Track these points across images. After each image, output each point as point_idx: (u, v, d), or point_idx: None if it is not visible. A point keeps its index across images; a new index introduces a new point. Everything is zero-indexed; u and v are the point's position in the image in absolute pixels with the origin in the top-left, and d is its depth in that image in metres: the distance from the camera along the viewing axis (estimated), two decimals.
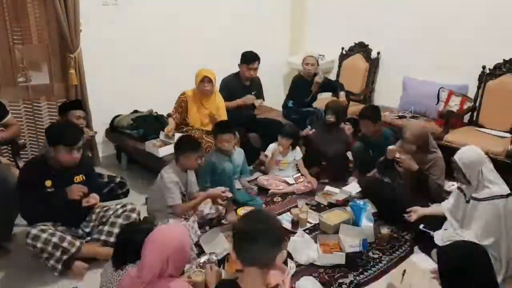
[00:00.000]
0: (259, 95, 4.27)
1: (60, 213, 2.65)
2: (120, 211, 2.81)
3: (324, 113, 4.00)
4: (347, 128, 4.11)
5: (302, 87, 4.45)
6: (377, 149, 3.56)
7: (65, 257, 2.56)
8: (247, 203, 3.34)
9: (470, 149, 2.62)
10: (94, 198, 2.71)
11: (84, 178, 2.76)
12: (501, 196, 2.47)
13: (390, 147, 3.25)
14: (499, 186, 2.51)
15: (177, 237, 1.85)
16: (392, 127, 4.00)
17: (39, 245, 2.49)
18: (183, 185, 3.03)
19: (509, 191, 2.51)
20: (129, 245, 2.06)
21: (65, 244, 2.54)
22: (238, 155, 3.51)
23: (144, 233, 2.07)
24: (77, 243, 2.62)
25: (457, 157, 2.60)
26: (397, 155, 3.19)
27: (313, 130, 4.09)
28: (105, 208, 2.84)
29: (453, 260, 2.04)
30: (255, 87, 4.23)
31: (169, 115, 3.95)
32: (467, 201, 2.60)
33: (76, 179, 2.73)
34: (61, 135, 2.60)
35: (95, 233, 2.78)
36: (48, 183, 2.63)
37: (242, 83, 4.15)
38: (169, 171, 2.97)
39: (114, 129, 4.08)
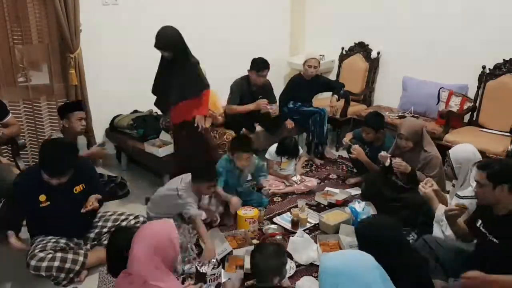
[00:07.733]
0: (269, 99, 4.19)
1: (60, 227, 2.58)
2: (132, 222, 2.79)
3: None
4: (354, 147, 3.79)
5: (300, 87, 4.37)
6: (372, 149, 3.58)
7: (71, 275, 2.53)
8: (250, 202, 3.31)
9: (466, 147, 2.66)
10: (92, 202, 2.58)
11: (84, 186, 2.64)
12: None
13: (380, 153, 3.23)
14: None
15: (164, 229, 1.91)
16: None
17: (43, 273, 2.44)
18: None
19: None
20: (124, 253, 2.02)
21: (68, 265, 2.49)
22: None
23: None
24: (81, 258, 2.56)
25: (451, 151, 2.66)
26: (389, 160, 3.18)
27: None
28: (113, 217, 2.80)
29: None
30: (264, 92, 4.16)
31: None
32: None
33: (76, 190, 2.61)
34: (45, 163, 2.46)
35: (102, 239, 2.74)
36: (42, 197, 2.50)
37: (251, 87, 4.12)
38: (186, 194, 2.90)
39: (114, 129, 4.08)
